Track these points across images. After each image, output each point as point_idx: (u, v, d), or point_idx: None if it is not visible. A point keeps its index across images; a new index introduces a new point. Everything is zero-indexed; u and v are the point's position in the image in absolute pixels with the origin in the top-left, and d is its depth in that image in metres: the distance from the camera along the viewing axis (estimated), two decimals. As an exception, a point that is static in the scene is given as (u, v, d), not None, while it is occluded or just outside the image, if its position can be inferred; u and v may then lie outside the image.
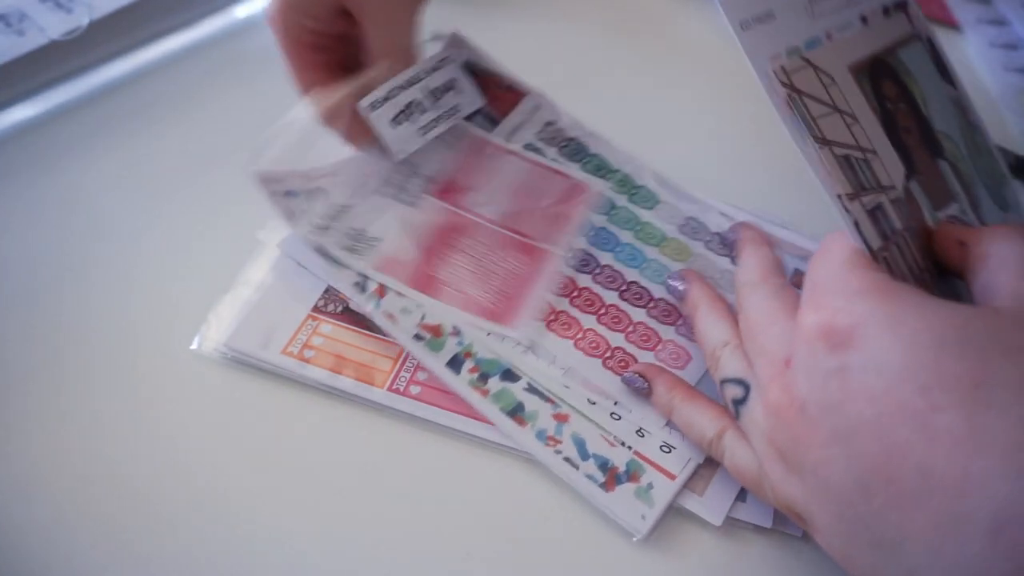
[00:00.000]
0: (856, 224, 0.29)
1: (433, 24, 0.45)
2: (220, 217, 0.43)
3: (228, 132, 0.47)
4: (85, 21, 0.49)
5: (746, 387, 0.30)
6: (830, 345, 0.27)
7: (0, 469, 0.34)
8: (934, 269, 0.32)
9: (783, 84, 0.29)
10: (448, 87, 0.42)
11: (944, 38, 0.47)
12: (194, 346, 0.37)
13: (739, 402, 0.30)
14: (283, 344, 0.37)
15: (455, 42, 0.45)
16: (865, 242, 0.29)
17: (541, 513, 0.33)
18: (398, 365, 0.36)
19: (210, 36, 0.53)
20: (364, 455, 0.34)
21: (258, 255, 0.40)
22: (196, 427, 0.35)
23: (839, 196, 0.29)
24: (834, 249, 0.29)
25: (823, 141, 0.30)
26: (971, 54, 0.53)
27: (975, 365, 0.24)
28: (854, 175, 0.30)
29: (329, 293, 0.38)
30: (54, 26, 0.48)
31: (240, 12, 0.55)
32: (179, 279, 0.40)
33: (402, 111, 0.39)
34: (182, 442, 0.35)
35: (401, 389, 0.35)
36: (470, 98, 0.43)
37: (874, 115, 0.32)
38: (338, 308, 0.38)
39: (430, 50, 0.43)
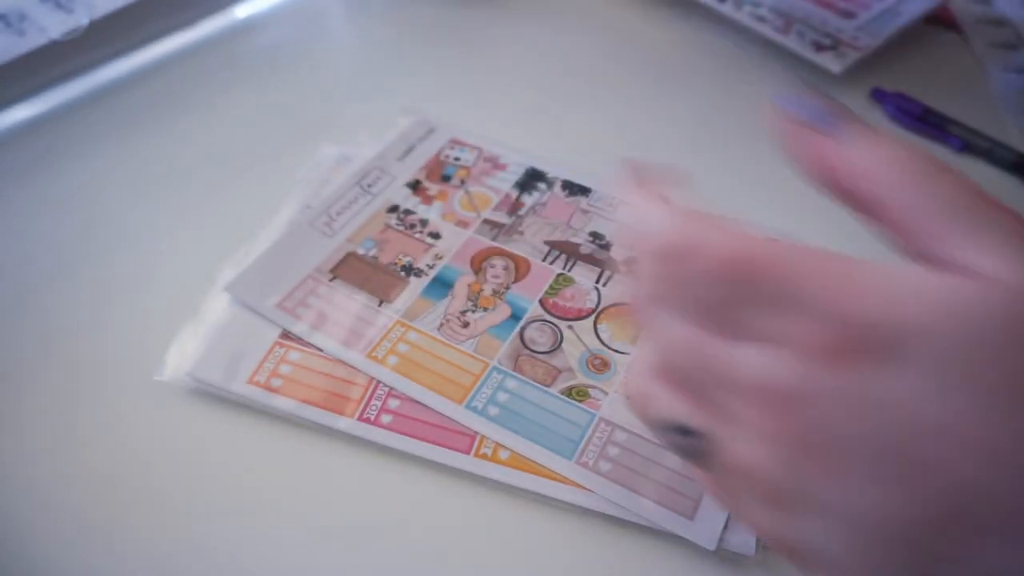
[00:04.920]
0: None
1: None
2: (221, 219, 0.40)
3: (227, 132, 0.45)
4: (85, 21, 0.46)
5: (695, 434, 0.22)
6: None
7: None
8: None
9: None
10: None
11: (945, 39, 0.45)
12: (159, 376, 0.33)
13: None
14: (249, 373, 0.33)
15: None
16: None
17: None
18: (368, 392, 0.33)
19: (210, 36, 0.51)
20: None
21: (225, 279, 0.37)
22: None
23: None
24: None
25: None
26: (972, 53, 0.50)
27: None
28: None
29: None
30: (54, 26, 0.46)
31: (240, 12, 0.52)
32: (174, 285, 0.37)
33: None
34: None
35: (372, 418, 0.32)
36: None
37: None
38: (307, 335, 0.35)
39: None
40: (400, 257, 0.38)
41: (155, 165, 0.43)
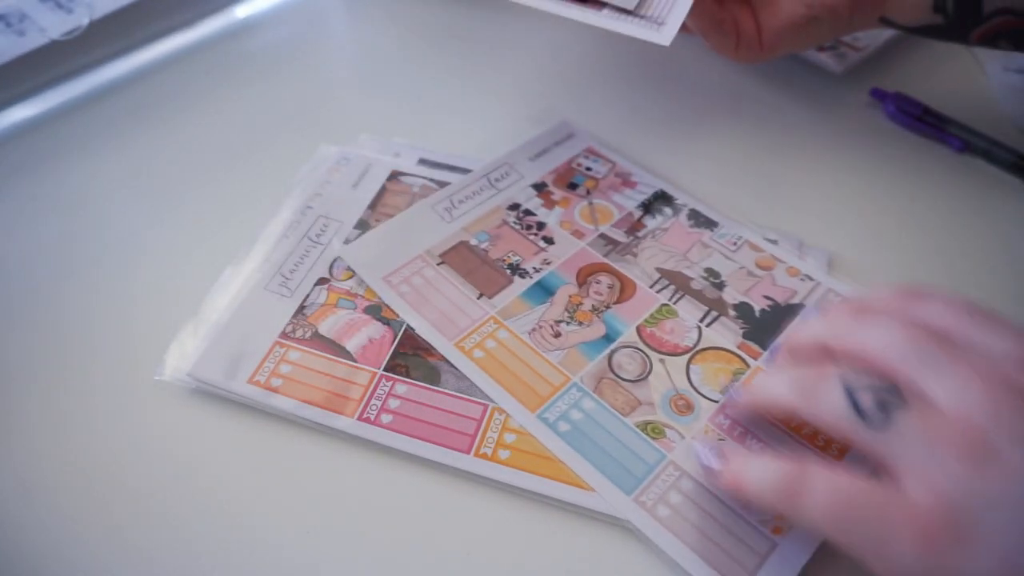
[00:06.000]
0: None
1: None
2: (220, 219, 0.40)
3: (227, 132, 0.45)
4: (85, 21, 0.46)
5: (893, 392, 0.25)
6: None
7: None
8: None
9: None
10: None
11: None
12: (159, 376, 0.33)
13: (890, 407, 0.25)
14: (250, 373, 0.33)
15: None
16: None
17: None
18: (368, 392, 0.32)
19: (210, 36, 0.51)
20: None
21: (225, 279, 0.37)
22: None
23: None
24: None
25: None
26: (971, 53, 0.50)
27: None
28: None
29: (298, 318, 0.35)
30: (54, 26, 0.46)
31: (240, 12, 0.52)
32: (171, 286, 0.37)
33: None
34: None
35: (372, 418, 0.32)
36: None
37: None
38: (307, 334, 0.34)
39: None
40: (509, 255, 0.37)
41: (155, 165, 0.43)
